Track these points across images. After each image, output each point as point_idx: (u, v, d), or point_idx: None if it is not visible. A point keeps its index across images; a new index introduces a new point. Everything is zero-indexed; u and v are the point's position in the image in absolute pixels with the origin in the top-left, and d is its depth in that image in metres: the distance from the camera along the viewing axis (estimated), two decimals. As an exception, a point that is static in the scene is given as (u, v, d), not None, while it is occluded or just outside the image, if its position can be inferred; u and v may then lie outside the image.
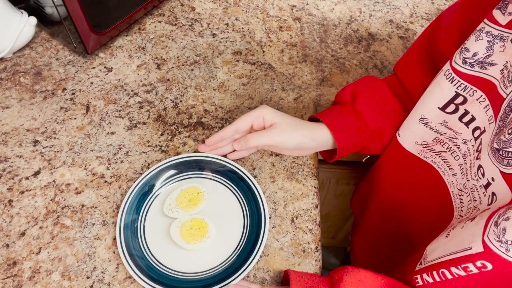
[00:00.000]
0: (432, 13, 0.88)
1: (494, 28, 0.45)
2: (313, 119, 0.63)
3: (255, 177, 0.64)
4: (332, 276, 0.51)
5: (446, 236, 0.47)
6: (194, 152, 0.66)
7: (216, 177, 0.63)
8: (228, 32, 0.82)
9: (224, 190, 0.62)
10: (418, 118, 0.55)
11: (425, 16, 0.88)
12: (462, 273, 0.42)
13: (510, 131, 0.41)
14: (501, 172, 0.42)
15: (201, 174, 0.63)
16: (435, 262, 0.46)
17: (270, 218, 0.61)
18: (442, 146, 0.54)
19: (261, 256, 0.57)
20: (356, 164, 0.98)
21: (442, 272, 0.45)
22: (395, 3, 0.90)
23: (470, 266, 0.41)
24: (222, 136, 0.60)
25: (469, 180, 0.49)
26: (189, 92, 0.73)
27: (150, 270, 0.55)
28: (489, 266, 0.40)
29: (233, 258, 0.56)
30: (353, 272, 0.50)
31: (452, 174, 0.53)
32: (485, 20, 0.45)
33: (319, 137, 0.59)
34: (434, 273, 0.46)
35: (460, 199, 0.52)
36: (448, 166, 0.54)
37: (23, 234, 0.58)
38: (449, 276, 0.44)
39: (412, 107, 0.60)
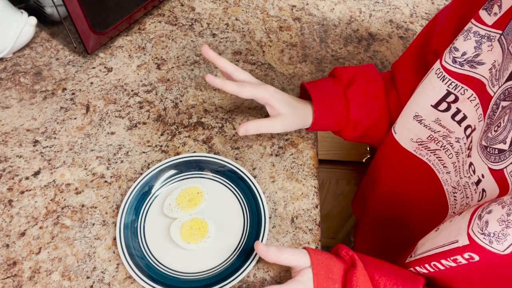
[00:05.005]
0: (432, 13, 0.88)
1: (481, 28, 0.46)
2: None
3: (255, 177, 0.64)
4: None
5: (436, 231, 0.48)
6: (194, 152, 0.66)
7: (216, 177, 0.63)
8: (228, 32, 0.82)
9: (224, 190, 0.62)
10: (413, 115, 0.56)
11: (425, 16, 0.87)
12: (453, 264, 0.44)
13: (496, 129, 0.42)
14: (490, 168, 0.43)
15: (201, 174, 0.63)
16: (425, 255, 0.48)
17: (270, 218, 0.61)
18: (436, 144, 0.55)
19: (261, 256, 0.57)
20: (356, 164, 0.99)
21: (434, 264, 0.47)
22: (395, 3, 0.90)
23: (459, 258, 0.43)
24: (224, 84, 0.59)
25: (461, 178, 0.50)
26: (189, 92, 0.73)
27: (150, 270, 0.55)
28: (476, 257, 0.41)
29: (233, 258, 0.56)
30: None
31: (446, 172, 0.54)
32: (472, 20, 0.46)
33: (310, 120, 0.62)
34: (427, 265, 0.48)
35: (454, 196, 0.53)
36: (442, 164, 0.55)
37: (23, 234, 0.58)
38: (441, 267, 0.46)
39: (398, 108, 0.61)
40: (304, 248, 0.52)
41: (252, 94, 0.58)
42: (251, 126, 0.59)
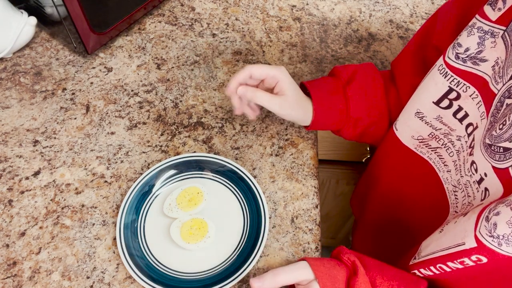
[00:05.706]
0: (432, 13, 0.88)
1: (485, 24, 0.45)
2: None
3: (255, 177, 0.64)
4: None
5: (440, 232, 0.48)
6: (194, 152, 0.66)
7: (216, 177, 0.63)
8: (228, 32, 0.82)
9: (224, 190, 0.62)
10: (414, 112, 0.56)
11: (425, 16, 0.87)
12: (459, 266, 0.43)
13: (501, 127, 0.42)
14: (493, 167, 0.43)
15: (201, 174, 0.63)
16: (430, 257, 0.47)
17: (270, 218, 0.61)
18: (437, 142, 0.55)
19: (261, 256, 0.57)
20: (356, 164, 0.99)
21: (440, 267, 0.46)
22: (395, 3, 0.90)
23: (466, 260, 0.42)
24: (238, 80, 0.58)
25: (462, 176, 0.50)
26: (189, 92, 0.73)
27: (150, 270, 0.55)
28: (484, 260, 0.40)
29: (233, 258, 0.56)
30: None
31: (447, 171, 0.54)
32: (477, 16, 0.46)
33: (309, 117, 0.61)
34: (432, 267, 0.47)
35: (455, 195, 0.52)
36: (443, 163, 0.55)
37: (23, 234, 0.58)
38: (448, 269, 0.45)
39: (398, 105, 0.61)
40: (303, 259, 0.51)
41: (266, 71, 0.57)
42: (251, 90, 0.57)
